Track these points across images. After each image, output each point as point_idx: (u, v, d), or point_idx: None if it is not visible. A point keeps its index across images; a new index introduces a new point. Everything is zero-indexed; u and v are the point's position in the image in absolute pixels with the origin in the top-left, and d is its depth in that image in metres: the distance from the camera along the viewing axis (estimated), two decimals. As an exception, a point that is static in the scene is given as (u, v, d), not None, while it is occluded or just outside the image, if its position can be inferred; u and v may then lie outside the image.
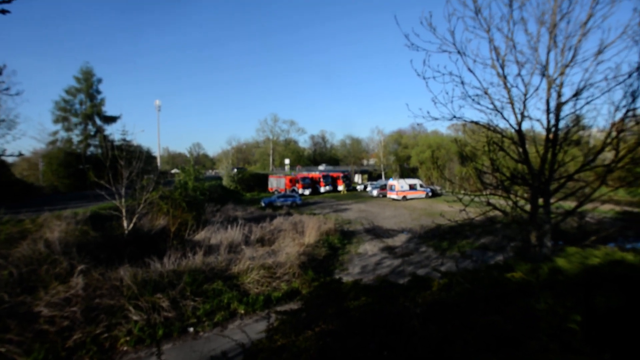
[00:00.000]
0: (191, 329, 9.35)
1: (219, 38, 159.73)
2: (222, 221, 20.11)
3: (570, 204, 7.94)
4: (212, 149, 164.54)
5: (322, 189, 51.42)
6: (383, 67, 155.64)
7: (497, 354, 1.99)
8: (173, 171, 63.27)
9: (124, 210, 14.71)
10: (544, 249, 6.99)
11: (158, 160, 58.29)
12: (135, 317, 9.09)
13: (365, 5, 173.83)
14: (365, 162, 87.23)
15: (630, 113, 6.50)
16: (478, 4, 6.95)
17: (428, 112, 7.76)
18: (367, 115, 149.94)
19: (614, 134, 6.74)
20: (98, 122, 40.26)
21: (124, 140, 35.22)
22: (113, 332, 8.66)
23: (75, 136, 39.29)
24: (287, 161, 74.06)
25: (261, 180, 54.31)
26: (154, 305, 9.62)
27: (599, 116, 7.32)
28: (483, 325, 2.10)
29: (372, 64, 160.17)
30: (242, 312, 10.34)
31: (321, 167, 73.68)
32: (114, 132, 42.32)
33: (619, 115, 6.67)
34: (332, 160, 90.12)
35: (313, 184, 50.59)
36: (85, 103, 39.14)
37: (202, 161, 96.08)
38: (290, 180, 49.06)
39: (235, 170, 53.52)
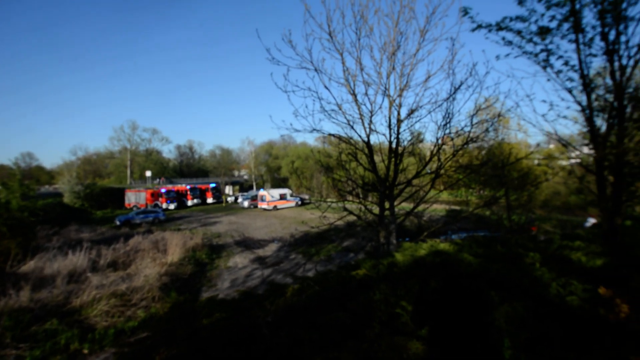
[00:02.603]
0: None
1: (58, 30, 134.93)
2: (60, 246, 16.82)
3: (410, 205, 9.37)
4: (51, 160, 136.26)
5: (190, 202, 48.19)
6: (253, 78, 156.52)
7: (339, 347, 2.14)
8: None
9: None
10: (390, 246, 8.01)
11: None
12: None
13: (235, 14, 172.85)
14: (236, 173, 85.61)
15: (447, 131, 8.07)
16: (332, 28, 7.65)
17: (291, 124, 8.17)
18: (238, 126, 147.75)
19: (437, 147, 8.24)
20: None
21: None
22: None
23: None
24: (148, 173, 66.89)
25: (116, 196, 47.51)
26: (-47, 363, 7.34)
27: (427, 132, 8.88)
28: (328, 322, 2.24)
29: (242, 74, 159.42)
30: (86, 351, 8.74)
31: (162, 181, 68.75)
32: None
33: (441, 132, 8.21)
34: (201, 171, 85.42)
35: (179, 197, 46.95)
36: None
37: (35, 175, 78.85)
38: (152, 194, 44.44)
39: (82, 184, 45.55)
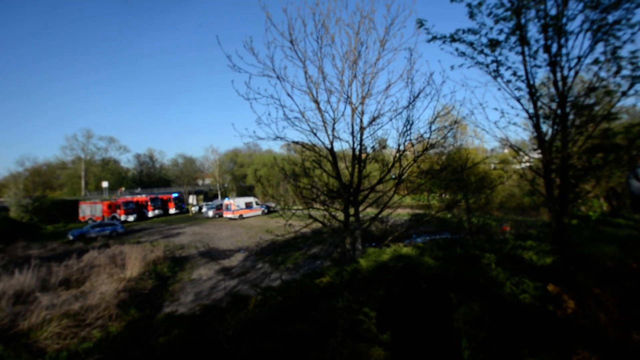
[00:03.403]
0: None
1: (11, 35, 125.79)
2: (5, 264, 15.51)
3: (375, 211, 9.53)
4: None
5: (151, 214, 46.17)
6: (216, 86, 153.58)
7: (302, 358, 2.11)
8: None
9: None
10: (356, 252, 8.08)
11: None
12: None
13: (194, 22, 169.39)
14: (200, 182, 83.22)
15: (408, 137, 8.32)
16: (294, 36, 7.69)
17: (254, 132, 8.11)
18: (201, 134, 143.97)
19: (399, 153, 8.47)
20: None
21: None
22: None
23: None
24: (105, 184, 63.42)
25: (69, 208, 44.57)
26: None
27: (390, 139, 9.12)
28: (291, 333, 2.21)
29: (205, 82, 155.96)
30: (35, 377, 8.10)
31: (138, 190, 65.91)
32: None
33: (402, 139, 8.45)
34: (163, 181, 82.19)
35: (139, 208, 44.86)
36: None
37: (-24, 187, 72.64)
38: (109, 206, 42.16)
39: (30, 197, 42.37)
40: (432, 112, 8.80)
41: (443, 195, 20.10)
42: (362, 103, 8.31)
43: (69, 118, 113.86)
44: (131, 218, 42.51)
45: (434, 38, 6.72)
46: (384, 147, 9.48)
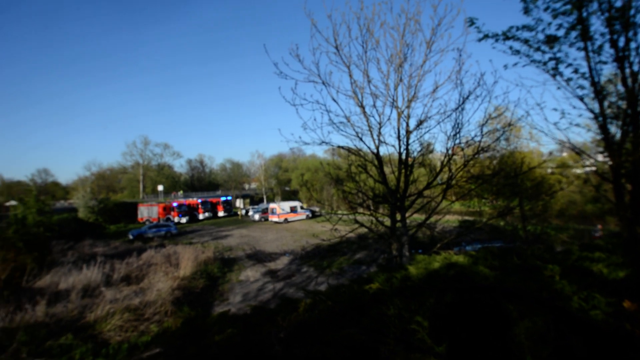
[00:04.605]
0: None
1: (72, 47, 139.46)
2: (75, 261, 17.04)
3: (422, 216, 9.27)
4: (66, 176, 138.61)
5: (201, 216, 48.50)
6: (262, 92, 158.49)
7: (354, 365, 2.09)
8: (9, 204, 51.24)
9: None
10: (403, 258, 7.89)
11: (-16, 191, 46.75)
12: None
13: (243, 31, 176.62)
14: (246, 186, 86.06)
15: (457, 141, 8.00)
16: (339, 41, 7.73)
17: (300, 137, 8.22)
18: (248, 140, 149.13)
19: (447, 157, 8.17)
20: None
21: None
22: None
23: None
24: (160, 187, 67.72)
25: (129, 210, 48.17)
26: (-30, 379, 7.41)
27: (437, 142, 8.83)
28: (341, 339, 2.20)
29: (251, 89, 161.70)
30: (100, 366, 8.75)
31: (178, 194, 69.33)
32: None
33: (451, 143, 8.15)
34: (212, 185, 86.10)
35: (191, 210, 47.32)
36: None
37: (51, 190, 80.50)
38: (164, 208, 44.90)
39: (96, 199, 46.27)
40: (484, 114, 8.39)
41: (494, 201, 19.09)
42: (408, 106, 8.15)
43: (130, 126, 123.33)
44: (184, 220, 44.94)
45: (486, 37, 6.43)
46: (431, 151, 9.21)
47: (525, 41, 6.19)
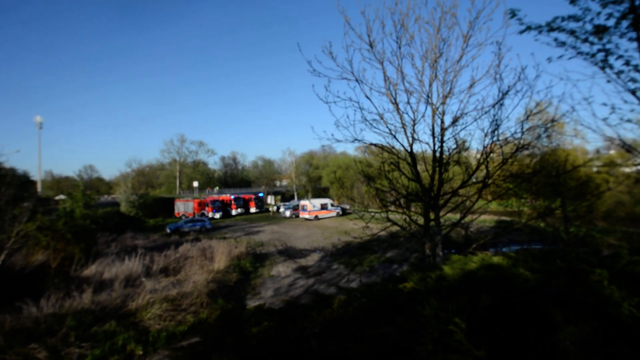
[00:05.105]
0: (76, 382, 8.01)
1: (114, 49, 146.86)
2: (118, 252, 18.01)
3: (457, 216, 9.02)
4: (109, 172, 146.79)
5: (234, 212, 49.77)
6: (295, 88, 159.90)
7: (390, 363, 2.09)
8: (58, 198, 54.92)
9: (-14, 247, 12.21)
10: (436, 258, 7.73)
11: (38, 185, 50.33)
12: (-1, 376, 7.47)
13: (272, 30, 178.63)
14: (277, 183, 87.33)
15: (495, 138, 7.71)
16: (372, 38, 7.66)
17: (332, 135, 8.22)
18: (279, 137, 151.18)
19: (484, 155, 7.89)
20: (-46, 141, 33.19)
21: (-10, 162, 29.53)
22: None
23: None
24: (195, 184, 70.17)
25: (166, 205, 50.27)
26: (27, 358, 8.03)
27: (473, 140, 8.54)
28: (376, 337, 2.20)
29: (283, 86, 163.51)
30: (141, 353, 9.22)
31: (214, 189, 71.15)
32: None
33: (488, 140, 7.87)
34: (244, 181, 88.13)
35: (224, 206, 48.66)
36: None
37: (95, 186, 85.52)
38: (199, 204, 46.47)
39: (136, 194, 48.64)
40: (524, 110, 8.02)
41: (534, 201, 18.21)
42: (443, 103, 7.95)
43: (167, 124, 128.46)
44: (217, 215, 46.27)
45: (528, 28, 6.14)
46: (467, 148, 8.93)
47: (572, 32, 5.86)
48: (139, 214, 45.84)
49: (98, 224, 19.27)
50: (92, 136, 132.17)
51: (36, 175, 48.23)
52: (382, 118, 7.94)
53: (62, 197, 49.21)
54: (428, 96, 7.88)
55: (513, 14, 6.31)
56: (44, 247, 14.68)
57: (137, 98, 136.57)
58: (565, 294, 2.81)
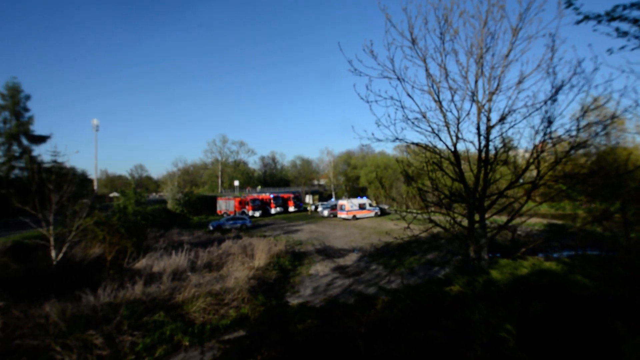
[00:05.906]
0: (129, 367, 8.55)
1: (160, 55, 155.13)
2: (165, 247, 19.03)
3: (503, 218, 8.60)
4: (157, 171, 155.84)
5: (273, 211, 50.76)
6: (333, 89, 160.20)
7: (436, 366, 2.05)
8: (112, 195, 58.90)
9: (51, 239, 13.35)
10: (481, 261, 7.44)
11: (95, 183, 54.25)
12: (63, 358, 8.15)
13: (312, 29, 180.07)
14: (315, 182, 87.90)
15: (547, 136, 7.28)
16: (414, 35, 7.50)
17: (373, 134, 8.13)
18: (317, 137, 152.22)
19: (535, 154, 7.47)
20: (25, 142, 36.63)
21: (55, 162, 32.38)
22: (36, 377, 7.67)
23: (-4, 158, 35.33)
24: (236, 183, 72.42)
25: (209, 203, 52.33)
26: (85, 344, 8.69)
27: (522, 138, 8.10)
28: (422, 340, 2.17)
29: (322, 87, 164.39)
30: (187, 343, 9.68)
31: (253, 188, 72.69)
32: (43, 153, 38.73)
33: (539, 138, 7.44)
34: (283, 181, 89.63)
35: (263, 205, 49.77)
36: (10, 121, 35.55)
37: (145, 184, 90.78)
38: (240, 202, 47.85)
39: (181, 193, 51.07)
40: (579, 106, 7.50)
41: (589, 204, 16.92)
42: (489, 100, 7.62)
43: (210, 125, 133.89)
44: (257, 214, 47.40)
45: (586, 18, 5.72)
46: (514, 147, 8.49)
47: (635, 21, 5.40)
48: (184, 211, 48.06)
49: (148, 220, 20.48)
50: (142, 137, 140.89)
51: (93, 173, 51.96)
52: (424, 117, 7.76)
53: (115, 194, 52.67)
54: (473, 93, 7.60)
55: (569, 3, 5.91)
56: (100, 240, 15.83)
57: (183, 101, 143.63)
58: (628, 304, 2.60)
